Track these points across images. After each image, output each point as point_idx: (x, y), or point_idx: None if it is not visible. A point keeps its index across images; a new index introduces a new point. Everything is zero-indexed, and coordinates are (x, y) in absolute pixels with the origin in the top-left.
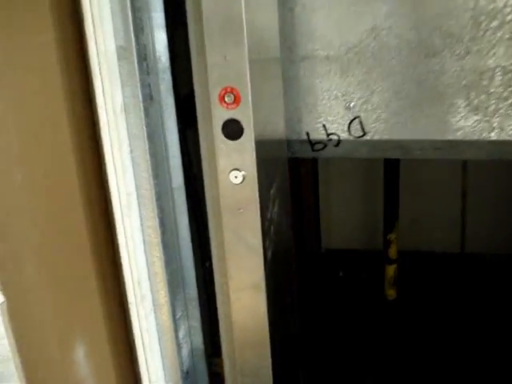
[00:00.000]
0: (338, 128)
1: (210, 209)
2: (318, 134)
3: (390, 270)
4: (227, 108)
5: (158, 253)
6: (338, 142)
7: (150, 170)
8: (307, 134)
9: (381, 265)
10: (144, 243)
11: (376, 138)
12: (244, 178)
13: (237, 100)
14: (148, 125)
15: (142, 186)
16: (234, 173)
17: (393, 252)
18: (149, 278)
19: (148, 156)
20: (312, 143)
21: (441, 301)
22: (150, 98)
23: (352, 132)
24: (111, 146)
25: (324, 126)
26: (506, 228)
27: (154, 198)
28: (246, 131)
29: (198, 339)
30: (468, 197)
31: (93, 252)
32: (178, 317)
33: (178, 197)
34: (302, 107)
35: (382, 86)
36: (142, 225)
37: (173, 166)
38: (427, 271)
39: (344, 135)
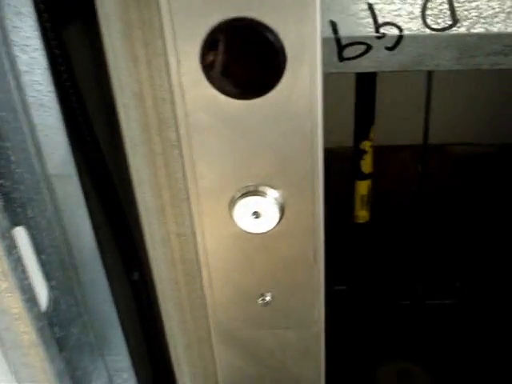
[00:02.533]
0: (399, 11)
1: None
2: (356, 27)
3: (363, 186)
4: None
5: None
6: (399, 39)
7: None
8: (333, 25)
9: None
10: None
11: (477, 30)
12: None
13: None
14: None
15: None
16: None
17: (366, 165)
18: None
19: None
20: (341, 45)
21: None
22: None
23: (428, 20)
24: None
25: (370, 6)
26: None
27: None
28: (291, 63)
29: None
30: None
31: None
32: None
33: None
34: None
35: None
36: None
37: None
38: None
39: (411, 26)
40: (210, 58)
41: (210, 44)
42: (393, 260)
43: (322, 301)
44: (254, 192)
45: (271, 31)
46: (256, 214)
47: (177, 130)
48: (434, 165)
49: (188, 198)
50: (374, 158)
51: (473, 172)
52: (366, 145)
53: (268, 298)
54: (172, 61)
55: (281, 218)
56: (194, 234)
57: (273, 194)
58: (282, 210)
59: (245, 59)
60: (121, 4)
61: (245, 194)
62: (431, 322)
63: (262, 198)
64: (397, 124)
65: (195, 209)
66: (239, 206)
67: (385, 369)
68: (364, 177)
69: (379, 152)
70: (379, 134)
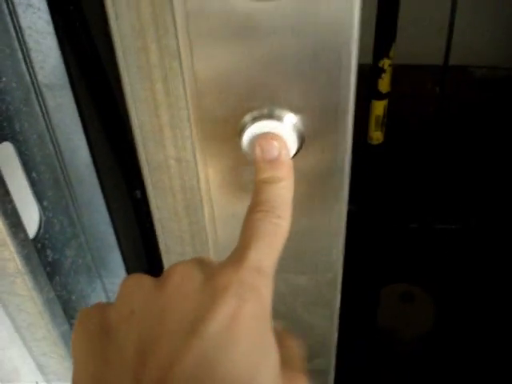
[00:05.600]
0: None
1: None
2: None
3: (379, 106)
4: None
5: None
6: None
7: None
8: None
9: None
10: None
11: None
12: None
13: None
14: None
15: None
16: None
17: (384, 84)
18: None
19: None
20: None
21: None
22: None
23: None
24: None
25: None
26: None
27: None
28: None
29: None
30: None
31: None
32: None
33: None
34: None
35: None
36: None
37: None
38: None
39: None
40: None
41: None
42: (404, 183)
43: (342, 244)
44: (269, 115)
45: None
46: None
47: (177, 37)
48: (453, 87)
49: (189, 121)
50: (391, 78)
51: (492, 96)
52: (386, 63)
53: None
54: None
55: (299, 149)
56: (196, 159)
57: (291, 120)
58: (302, 139)
59: None
60: None
61: (257, 118)
62: (438, 246)
63: (278, 123)
64: (417, 43)
65: (197, 134)
66: (250, 132)
67: (387, 290)
68: (381, 96)
69: (397, 71)
70: (398, 53)
